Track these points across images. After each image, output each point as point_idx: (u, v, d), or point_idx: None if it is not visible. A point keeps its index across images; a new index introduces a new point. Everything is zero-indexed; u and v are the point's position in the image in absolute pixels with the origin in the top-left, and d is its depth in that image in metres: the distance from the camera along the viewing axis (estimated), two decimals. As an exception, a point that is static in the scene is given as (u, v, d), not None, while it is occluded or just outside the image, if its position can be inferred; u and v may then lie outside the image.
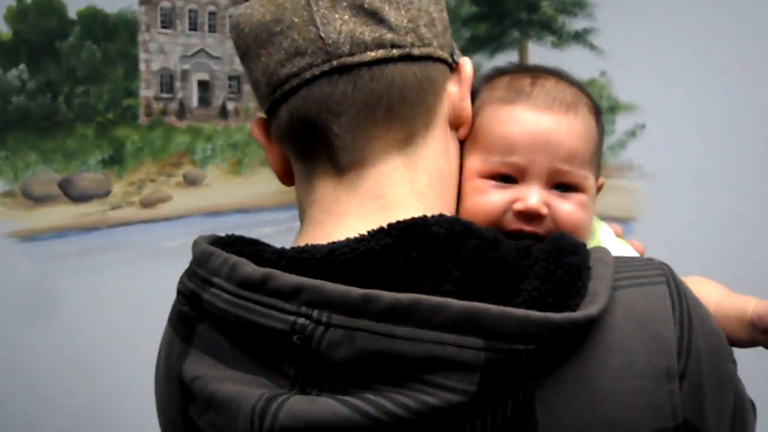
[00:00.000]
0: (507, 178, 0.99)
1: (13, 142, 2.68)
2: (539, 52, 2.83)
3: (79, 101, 2.74)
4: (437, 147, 0.95)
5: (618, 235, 1.12)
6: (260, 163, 2.86)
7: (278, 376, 0.79)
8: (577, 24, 2.81)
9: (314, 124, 0.89)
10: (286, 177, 1.00)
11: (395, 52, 0.88)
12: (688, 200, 2.70)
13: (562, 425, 0.75)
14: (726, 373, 0.85)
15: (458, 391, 0.72)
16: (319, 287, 0.77)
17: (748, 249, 2.61)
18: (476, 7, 2.89)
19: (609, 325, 0.77)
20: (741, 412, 0.88)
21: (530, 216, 0.98)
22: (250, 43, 0.92)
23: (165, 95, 2.84)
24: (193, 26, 2.86)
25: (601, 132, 1.07)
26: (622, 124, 2.79)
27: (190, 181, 2.88)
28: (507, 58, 2.85)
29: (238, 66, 2.87)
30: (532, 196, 0.98)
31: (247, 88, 2.87)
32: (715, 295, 1.06)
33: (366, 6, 0.88)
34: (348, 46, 0.87)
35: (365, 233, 0.83)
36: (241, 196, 2.89)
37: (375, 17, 0.88)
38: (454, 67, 0.97)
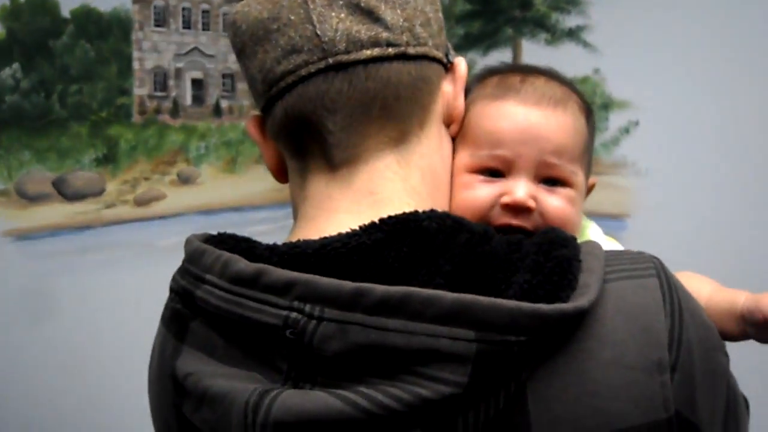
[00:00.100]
0: (495, 172, 1.00)
1: (6, 141, 2.68)
2: (533, 50, 2.83)
3: (73, 100, 2.74)
4: (431, 145, 0.95)
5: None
6: (254, 161, 2.87)
7: (271, 371, 0.79)
8: (570, 21, 2.82)
9: (309, 120, 0.90)
10: (281, 174, 1.00)
11: (391, 50, 0.89)
12: (682, 197, 2.70)
13: (554, 417, 0.75)
14: (718, 366, 0.85)
15: (451, 383, 0.72)
16: (311, 281, 0.77)
17: (741, 245, 2.62)
18: (470, 4, 2.90)
19: (600, 318, 0.77)
20: (734, 406, 0.88)
21: (517, 209, 0.98)
22: (246, 41, 0.92)
23: (159, 94, 2.84)
24: (187, 24, 2.86)
25: (591, 131, 1.07)
26: (615, 121, 2.80)
27: (184, 180, 2.88)
28: (501, 55, 2.85)
29: (231, 64, 2.87)
30: (519, 189, 0.98)
31: (240, 86, 2.87)
32: (706, 289, 1.07)
33: (362, 5, 0.89)
34: (344, 44, 0.88)
35: (357, 228, 0.84)
36: (235, 194, 2.89)
37: (371, 16, 0.89)
38: (448, 67, 0.98)
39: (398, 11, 0.90)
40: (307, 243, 0.83)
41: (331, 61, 0.88)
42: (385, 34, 0.89)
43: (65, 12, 2.73)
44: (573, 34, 2.82)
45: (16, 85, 2.68)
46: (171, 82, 2.85)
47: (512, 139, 0.99)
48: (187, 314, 0.87)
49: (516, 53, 2.86)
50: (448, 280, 0.79)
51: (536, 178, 1.00)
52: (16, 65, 2.68)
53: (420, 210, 0.85)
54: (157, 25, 2.83)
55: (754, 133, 2.66)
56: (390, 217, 0.84)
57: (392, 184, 0.91)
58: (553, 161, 0.99)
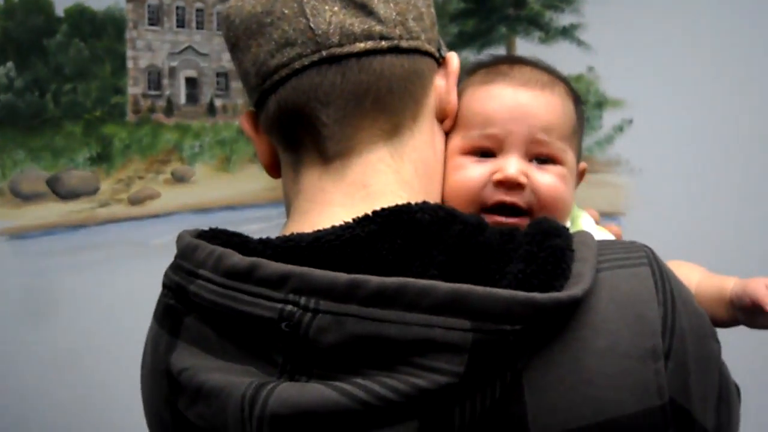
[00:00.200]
0: (486, 153, 1.01)
1: (0, 140, 2.68)
2: (527, 48, 2.83)
3: (67, 99, 2.74)
4: (423, 138, 0.96)
5: (595, 221, 1.13)
6: (248, 159, 2.86)
7: (267, 365, 0.79)
8: (564, 19, 2.82)
9: (302, 113, 0.90)
10: (273, 169, 1.00)
11: (384, 43, 0.90)
12: (676, 195, 2.70)
13: (549, 406, 0.75)
14: (710, 353, 0.86)
15: (447, 373, 0.72)
16: (306, 274, 0.77)
17: (735, 242, 2.62)
18: (464, 3, 2.89)
19: (594, 307, 0.78)
20: (726, 393, 0.88)
21: (509, 185, 0.99)
22: (240, 35, 0.93)
23: (153, 92, 2.84)
24: (181, 23, 2.86)
25: (580, 117, 1.08)
26: (609, 119, 2.80)
27: (178, 178, 2.87)
28: (495, 53, 2.85)
29: (225, 63, 2.86)
30: (511, 165, 0.99)
31: (234, 84, 2.87)
32: (695, 276, 1.09)
33: None
34: (337, 37, 0.88)
35: (350, 221, 0.84)
36: (230, 192, 2.88)
37: (364, 9, 0.89)
38: (440, 62, 0.98)
39: (391, 5, 0.91)
40: (301, 236, 0.84)
41: (324, 53, 0.88)
42: (378, 28, 0.89)
43: (59, 11, 2.73)
44: (567, 32, 2.82)
45: (10, 84, 2.68)
46: (165, 81, 2.85)
47: (502, 117, 1.00)
48: (181, 309, 0.87)
49: (510, 51, 2.86)
50: (443, 270, 0.79)
51: (527, 156, 1.01)
52: (10, 64, 2.68)
53: (412, 202, 0.86)
54: (151, 24, 2.82)
55: (747, 130, 2.67)
56: (383, 210, 0.84)
57: (385, 176, 0.92)
58: (543, 138, 1.01)
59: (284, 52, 0.89)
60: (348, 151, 0.91)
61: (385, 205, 0.85)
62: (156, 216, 2.84)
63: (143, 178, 2.84)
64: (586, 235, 0.85)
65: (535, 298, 0.73)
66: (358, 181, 0.91)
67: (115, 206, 2.80)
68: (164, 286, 0.90)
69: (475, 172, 1.00)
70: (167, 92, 2.85)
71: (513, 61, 1.08)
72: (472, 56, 2.86)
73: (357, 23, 0.89)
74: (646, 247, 0.87)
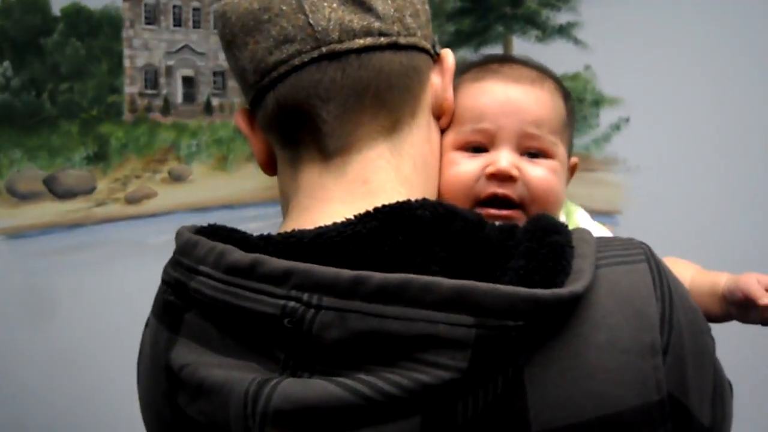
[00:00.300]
0: (478, 148, 1.03)
1: (-3, 140, 2.68)
2: (523, 47, 2.82)
3: (64, 98, 2.74)
4: (421, 135, 0.97)
5: None
6: (246, 158, 2.86)
7: (269, 361, 0.79)
8: (561, 18, 2.81)
9: (302, 110, 0.90)
10: (269, 167, 1.00)
11: (383, 40, 0.90)
12: (673, 193, 2.70)
13: (551, 401, 0.76)
14: (705, 348, 0.87)
15: (450, 368, 0.73)
16: (309, 270, 0.77)
17: (733, 241, 2.62)
18: (460, 1, 2.89)
19: (593, 302, 0.78)
20: (720, 388, 0.89)
21: (501, 178, 1.01)
22: (237, 32, 0.92)
23: (149, 91, 2.83)
24: (178, 22, 2.85)
25: (570, 112, 1.10)
26: (606, 117, 2.79)
27: (176, 178, 2.87)
28: (491, 52, 2.85)
29: (222, 62, 2.86)
30: (503, 158, 1.01)
31: (231, 83, 2.86)
32: (688, 273, 1.11)
33: None
34: (337, 34, 0.88)
35: (352, 217, 0.84)
36: (227, 191, 2.88)
37: (363, 6, 0.90)
38: (435, 59, 0.99)
39: (389, 2, 0.91)
40: (303, 232, 0.84)
41: (324, 50, 0.88)
42: (377, 24, 0.90)
43: (56, 10, 2.73)
44: (564, 30, 2.82)
45: (6, 83, 2.67)
46: (162, 80, 2.84)
47: (493, 112, 1.02)
48: (181, 306, 0.87)
49: (507, 50, 2.86)
50: (444, 267, 0.79)
51: (519, 150, 1.03)
52: (6, 63, 2.68)
53: (412, 199, 0.86)
54: (148, 23, 2.82)
55: (744, 128, 2.67)
56: (384, 206, 0.84)
57: (385, 173, 0.92)
58: (534, 131, 1.02)
59: (283, 48, 0.89)
60: (348, 147, 0.92)
61: (385, 202, 0.85)
62: (153, 215, 2.83)
63: (140, 178, 2.83)
64: (584, 232, 0.86)
65: (537, 294, 0.74)
66: (359, 178, 0.91)
67: (112, 205, 2.80)
68: (163, 282, 0.90)
69: (468, 167, 1.02)
70: (164, 91, 2.85)
71: (503, 59, 1.11)
72: (469, 55, 2.86)
73: (356, 19, 0.89)
74: (644, 244, 0.88)
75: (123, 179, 2.82)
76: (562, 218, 1.09)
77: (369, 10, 0.90)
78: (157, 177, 2.85)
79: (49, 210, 2.74)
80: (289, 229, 0.87)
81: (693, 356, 0.83)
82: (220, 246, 0.84)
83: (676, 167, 2.71)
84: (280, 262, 0.79)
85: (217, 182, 2.89)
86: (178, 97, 2.87)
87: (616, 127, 2.80)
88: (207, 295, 0.83)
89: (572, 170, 1.13)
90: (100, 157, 2.79)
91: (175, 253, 0.89)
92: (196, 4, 2.86)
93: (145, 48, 2.82)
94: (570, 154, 1.10)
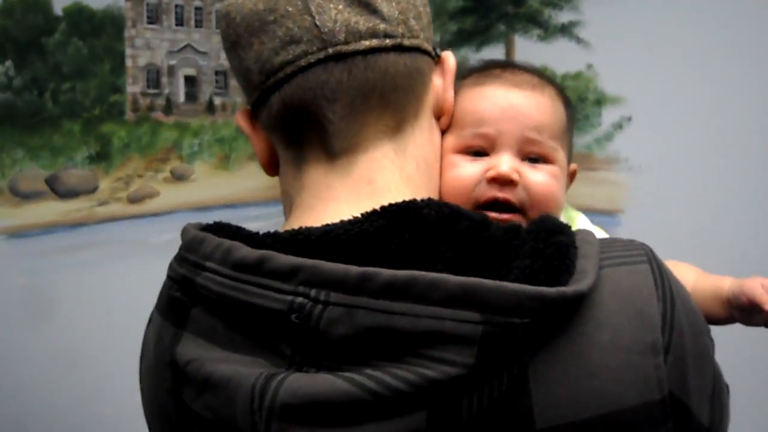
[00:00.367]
0: (479, 152, 1.03)
1: (-1, 139, 2.68)
2: (526, 46, 2.82)
3: (66, 97, 2.74)
4: (424, 135, 0.98)
5: None
6: (248, 158, 2.86)
7: (275, 357, 0.80)
8: (563, 17, 2.81)
9: (308, 110, 0.91)
10: (271, 167, 1.01)
11: (388, 41, 0.91)
12: (675, 192, 2.70)
13: (554, 398, 0.77)
14: (705, 349, 0.88)
15: (457, 364, 0.73)
16: (317, 266, 0.78)
17: (735, 240, 2.62)
18: (462, 1, 2.89)
19: (597, 302, 0.79)
20: (719, 389, 0.90)
21: (502, 182, 1.01)
22: (241, 33, 0.93)
23: (151, 91, 2.83)
24: (180, 22, 2.86)
25: (570, 118, 1.11)
26: (608, 116, 2.79)
27: (178, 177, 2.87)
28: (493, 51, 2.85)
29: (224, 61, 2.86)
30: (503, 163, 1.02)
31: (233, 83, 2.86)
32: (690, 276, 1.13)
33: None
34: (343, 35, 0.89)
35: (359, 215, 0.85)
36: (229, 191, 2.88)
37: (368, 8, 0.90)
38: (436, 61, 1.00)
39: (393, 4, 0.92)
40: (310, 230, 0.84)
41: (331, 51, 0.89)
42: (382, 26, 0.90)
43: (58, 9, 2.73)
44: (566, 29, 2.82)
45: (8, 82, 2.67)
46: (164, 80, 2.85)
47: (494, 117, 1.03)
48: (187, 302, 0.87)
49: (509, 49, 2.86)
50: (449, 265, 0.80)
51: (519, 155, 1.03)
52: (8, 63, 2.68)
53: (418, 199, 0.87)
54: (150, 23, 2.82)
55: (747, 128, 2.66)
56: (391, 205, 0.85)
57: (390, 173, 0.93)
58: (534, 137, 1.03)
59: (289, 49, 0.90)
60: (353, 147, 0.92)
61: (390, 201, 0.86)
62: (155, 215, 2.83)
63: (142, 177, 2.84)
64: (587, 233, 0.86)
65: (543, 292, 0.74)
66: (364, 177, 0.92)
67: (114, 205, 2.80)
68: (169, 278, 0.91)
69: (468, 170, 1.02)
70: (166, 91, 2.85)
71: (505, 65, 1.12)
72: (471, 54, 2.86)
73: (362, 21, 0.90)
74: (645, 245, 0.89)
75: (125, 179, 2.82)
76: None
77: (374, 12, 0.90)
78: (159, 176, 2.86)
79: (52, 209, 2.74)
80: (294, 228, 0.87)
81: (693, 356, 0.84)
82: (227, 242, 0.84)
83: (678, 166, 2.71)
84: (287, 259, 0.80)
85: (219, 181, 2.89)
86: (180, 97, 2.87)
87: (618, 126, 2.80)
88: (214, 291, 0.83)
89: (572, 176, 1.14)
90: (102, 157, 2.79)
91: (180, 249, 0.90)
92: (198, 3, 2.87)
93: (147, 47, 2.83)
94: (570, 160, 1.11)
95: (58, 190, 2.75)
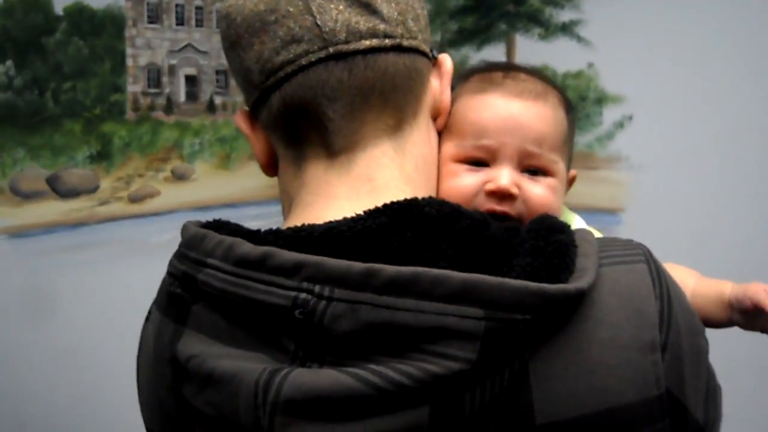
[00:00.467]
0: (479, 162, 1.04)
1: (0, 139, 2.67)
2: (527, 45, 2.82)
3: (66, 97, 2.74)
4: (422, 135, 0.98)
5: None
6: (248, 157, 2.86)
7: (277, 352, 0.80)
8: (564, 16, 2.81)
9: (309, 108, 0.91)
10: (270, 167, 1.01)
11: (387, 42, 0.92)
12: (676, 191, 2.70)
13: (554, 394, 0.78)
14: (700, 349, 0.89)
15: (460, 359, 0.74)
16: (320, 262, 0.79)
17: (735, 239, 2.62)
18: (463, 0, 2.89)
19: (596, 300, 0.81)
20: (713, 389, 0.92)
21: (501, 196, 1.02)
22: (242, 33, 0.93)
23: (152, 90, 2.84)
24: (180, 21, 2.86)
25: (571, 124, 1.12)
26: (609, 115, 2.79)
27: (179, 176, 2.87)
28: (494, 50, 2.85)
29: (225, 60, 2.86)
30: (503, 176, 1.02)
31: (234, 82, 2.86)
32: (691, 279, 1.15)
33: None
34: (344, 35, 0.90)
35: (361, 213, 0.86)
36: (230, 190, 2.88)
37: (368, 8, 0.91)
38: (434, 63, 1.01)
39: (393, 5, 0.93)
40: (313, 227, 0.85)
41: (331, 50, 0.90)
42: (382, 26, 0.91)
43: (58, 9, 2.73)
44: (567, 28, 2.81)
45: (9, 82, 2.67)
46: (164, 79, 2.85)
47: (496, 129, 1.03)
48: (188, 298, 0.87)
49: (510, 48, 2.86)
50: (451, 263, 0.80)
51: (519, 167, 1.04)
52: (9, 62, 2.68)
53: (419, 197, 0.88)
54: (151, 22, 2.82)
55: (747, 126, 2.66)
56: (393, 203, 0.86)
57: (389, 171, 0.93)
58: (535, 150, 1.03)
59: (290, 48, 0.90)
60: (353, 145, 0.93)
61: (390, 199, 0.87)
62: (156, 214, 2.84)
63: (143, 176, 2.84)
64: (586, 233, 0.88)
65: (545, 288, 0.75)
66: (364, 175, 0.93)
67: (115, 204, 2.80)
68: (170, 274, 0.91)
69: (468, 181, 1.03)
70: (167, 90, 2.85)
71: (507, 68, 1.11)
72: (471, 53, 2.86)
73: (362, 21, 0.90)
74: (642, 245, 0.90)
75: (126, 178, 2.82)
76: None
77: (374, 12, 0.91)
78: (160, 176, 2.86)
79: (52, 209, 2.74)
80: (293, 225, 0.88)
81: (690, 355, 0.85)
82: (228, 239, 0.84)
83: (679, 165, 2.71)
84: (290, 255, 0.80)
85: (219, 181, 2.89)
86: (181, 96, 2.87)
87: (620, 125, 2.80)
88: (216, 288, 0.83)
89: (571, 182, 1.15)
90: (103, 156, 2.79)
91: (181, 246, 0.90)
92: (198, 2, 2.87)
93: (147, 47, 2.83)
94: (569, 166, 1.12)
95: (58, 189, 2.75)
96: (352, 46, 0.90)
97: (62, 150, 2.75)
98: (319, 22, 0.89)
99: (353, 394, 0.75)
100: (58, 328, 2.68)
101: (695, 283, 1.15)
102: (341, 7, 0.90)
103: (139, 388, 0.99)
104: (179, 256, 0.89)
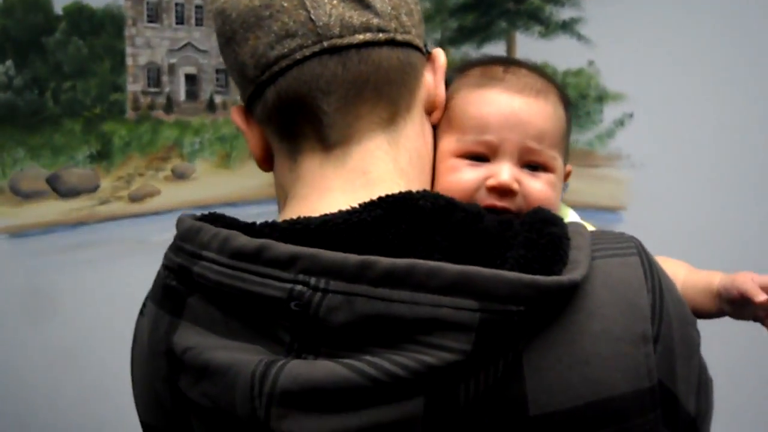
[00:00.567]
0: (480, 157, 1.04)
1: (0, 139, 2.67)
2: (527, 43, 2.82)
3: (66, 96, 2.74)
4: (416, 128, 0.99)
5: None
6: (249, 156, 2.83)
7: (273, 344, 0.81)
8: (564, 14, 2.81)
9: (303, 102, 0.92)
10: (265, 161, 1.02)
11: (381, 36, 0.92)
12: (677, 189, 2.70)
13: (547, 385, 0.79)
14: (692, 341, 0.90)
15: (455, 351, 0.75)
16: (316, 255, 0.79)
17: (737, 237, 2.62)
18: (463, -2, 2.89)
19: (588, 292, 0.82)
20: (704, 381, 0.93)
21: (502, 191, 1.02)
22: (237, 28, 0.94)
23: (152, 89, 2.84)
24: (180, 20, 2.86)
25: (569, 120, 1.12)
26: (610, 113, 2.79)
27: (179, 175, 2.87)
28: (495, 48, 2.84)
29: (225, 59, 2.86)
30: (504, 172, 1.02)
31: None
32: (681, 271, 1.17)
33: None
34: (338, 29, 0.90)
35: (356, 206, 0.86)
36: (230, 189, 2.88)
37: (362, 3, 0.92)
38: (428, 57, 1.01)
39: (386, 0, 0.93)
40: (309, 219, 0.86)
41: (326, 44, 0.90)
42: (375, 21, 0.92)
43: (58, 9, 2.73)
44: (567, 26, 2.81)
45: (9, 82, 2.68)
46: (164, 78, 2.85)
47: (497, 124, 1.03)
48: (184, 290, 0.88)
49: (510, 46, 2.86)
50: (445, 255, 0.81)
51: (519, 163, 1.04)
52: (9, 62, 2.68)
53: (413, 190, 0.88)
54: (150, 21, 2.82)
55: (748, 124, 2.66)
56: (388, 196, 0.87)
57: (384, 164, 0.94)
58: (535, 146, 1.04)
59: (285, 43, 0.91)
60: (348, 138, 0.94)
61: (384, 192, 0.87)
62: (156, 213, 2.84)
63: (143, 176, 2.84)
64: (579, 226, 0.89)
65: (539, 280, 0.76)
66: (358, 168, 0.93)
67: (116, 204, 2.80)
68: (165, 267, 0.91)
69: (469, 176, 1.03)
70: (167, 89, 2.85)
71: (506, 63, 1.11)
72: (472, 51, 2.86)
73: (356, 16, 0.91)
74: (635, 238, 0.91)
75: (126, 177, 2.82)
76: None
77: (368, 7, 0.92)
78: (160, 175, 2.86)
79: (53, 208, 2.74)
80: (288, 217, 0.88)
81: (681, 347, 0.86)
82: (224, 232, 0.85)
83: (680, 163, 2.70)
84: (286, 247, 0.81)
85: (220, 180, 2.89)
86: (181, 95, 2.87)
87: (620, 123, 2.79)
88: (211, 280, 0.84)
89: (566, 176, 1.15)
90: (103, 156, 2.79)
91: (176, 239, 0.91)
92: (198, 1, 2.87)
93: (147, 46, 2.83)
94: (566, 161, 1.12)
95: (59, 189, 2.75)
96: (346, 40, 0.90)
97: (62, 149, 2.75)
98: (313, 17, 0.90)
99: (349, 385, 0.76)
100: (59, 327, 2.68)
101: (685, 274, 1.17)
102: (335, 1, 0.91)
103: (133, 381, 1.00)
104: (175, 248, 0.90)
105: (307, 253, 0.80)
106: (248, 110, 0.99)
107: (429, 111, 1.02)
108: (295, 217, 0.88)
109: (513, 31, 2.86)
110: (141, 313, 0.98)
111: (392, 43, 0.93)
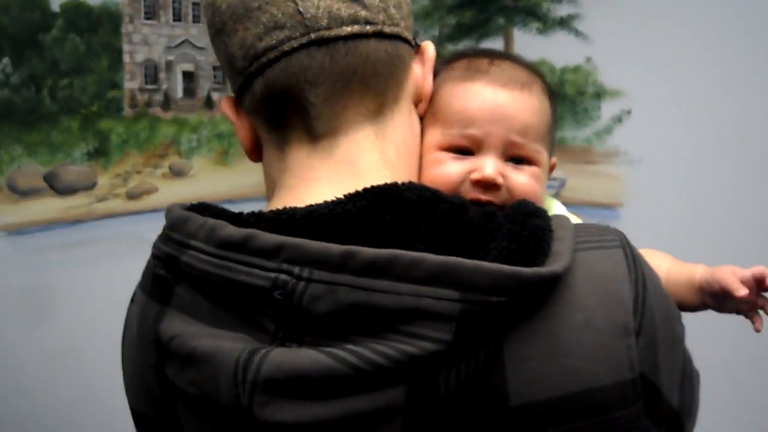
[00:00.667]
0: (464, 150, 1.05)
1: (-3, 136, 2.67)
2: (524, 39, 2.82)
3: (64, 94, 2.74)
4: (403, 120, 1.00)
5: None
6: (246, 153, 2.86)
7: (258, 332, 0.82)
8: (562, 10, 2.81)
9: (291, 93, 0.93)
10: (255, 152, 1.03)
11: (369, 28, 0.93)
12: (675, 186, 2.70)
13: (528, 376, 0.79)
14: (676, 334, 0.91)
15: (435, 340, 0.76)
16: (300, 244, 0.80)
17: (733, 234, 2.62)
18: (461, -6, 2.89)
19: (570, 284, 0.82)
20: (689, 373, 0.94)
21: (486, 185, 1.03)
22: (226, 20, 0.95)
23: (149, 86, 2.83)
24: (177, 17, 2.85)
25: (554, 112, 1.13)
26: (608, 110, 2.79)
27: (176, 173, 2.87)
28: (492, 45, 2.84)
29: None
30: (488, 166, 1.03)
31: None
32: (665, 263, 1.18)
33: None
34: (326, 21, 0.91)
35: (342, 196, 0.87)
36: (228, 186, 2.88)
37: None
38: (416, 50, 1.02)
39: None
40: (294, 210, 0.86)
41: (313, 36, 0.91)
42: (363, 13, 0.92)
43: (55, 6, 2.73)
44: (565, 23, 2.81)
45: (6, 79, 2.67)
46: (162, 75, 2.84)
47: (482, 118, 1.04)
48: (171, 279, 0.89)
49: (508, 42, 2.86)
50: (429, 246, 0.82)
51: (503, 156, 1.05)
52: (5, 60, 2.68)
53: (399, 182, 0.89)
54: (147, 18, 2.82)
55: (746, 121, 2.66)
56: (373, 187, 0.87)
57: (371, 155, 0.95)
58: (519, 140, 1.04)
59: (273, 35, 0.91)
60: (335, 130, 0.94)
61: (371, 183, 0.88)
62: (154, 210, 2.83)
63: (141, 173, 2.84)
64: (562, 218, 0.89)
65: (520, 271, 0.77)
66: (345, 159, 0.94)
67: (113, 201, 2.80)
68: (154, 256, 0.92)
69: (453, 169, 1.04)
70: (164, 86, 2.85)
71: (491, 56, 1.11)
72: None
73: (344, 8, 0.92)
74: (619, 231, 0.92)
75: (124, 175, 2.82)
76: None
77: None
78: (157, 172, 2.85)
79: (50, 206, 2.74)
80: (276, 207, 0.89)
81: (664, 340, 0.87)
82: (211, 221, 0.85)
83: (677, 160, 2.71)
84: (272, 237, 0.81)
85: (217, 177, 2.89)
86: (179, 92, 2.87)
87: (618, 120, 2.80)
88: (198, 269, 0.85)
89: (551, 169, 1.16)
90: (100, 153, 2.79)
91: (165, 228, 0.91)
92: (195, -2, 2.86)
93: (144, 43, 2.82)
94: (551, 155, 1.12)
95: (56, 186, 2.75)
96: (334, 32, 0.91)
97: (59, 147, 2.74)
98: (301, 9, 0.91)
99: (332, 373, 0.77)
100: (57, 325, 2.68)
101: (669, 267, 1.17)
102: None
103: (123, 369, 1.01)
104: (163, 238, 0.90)
105: (291, 243, 0.80)
106: (238, 101, 1.00)
107: (417, 103, 1.03)
108: (281, 207, 0.88)
109: (511, 28, 2.86)
110: (132, 301, 0.99)
111: (380, 35, 0.93)
